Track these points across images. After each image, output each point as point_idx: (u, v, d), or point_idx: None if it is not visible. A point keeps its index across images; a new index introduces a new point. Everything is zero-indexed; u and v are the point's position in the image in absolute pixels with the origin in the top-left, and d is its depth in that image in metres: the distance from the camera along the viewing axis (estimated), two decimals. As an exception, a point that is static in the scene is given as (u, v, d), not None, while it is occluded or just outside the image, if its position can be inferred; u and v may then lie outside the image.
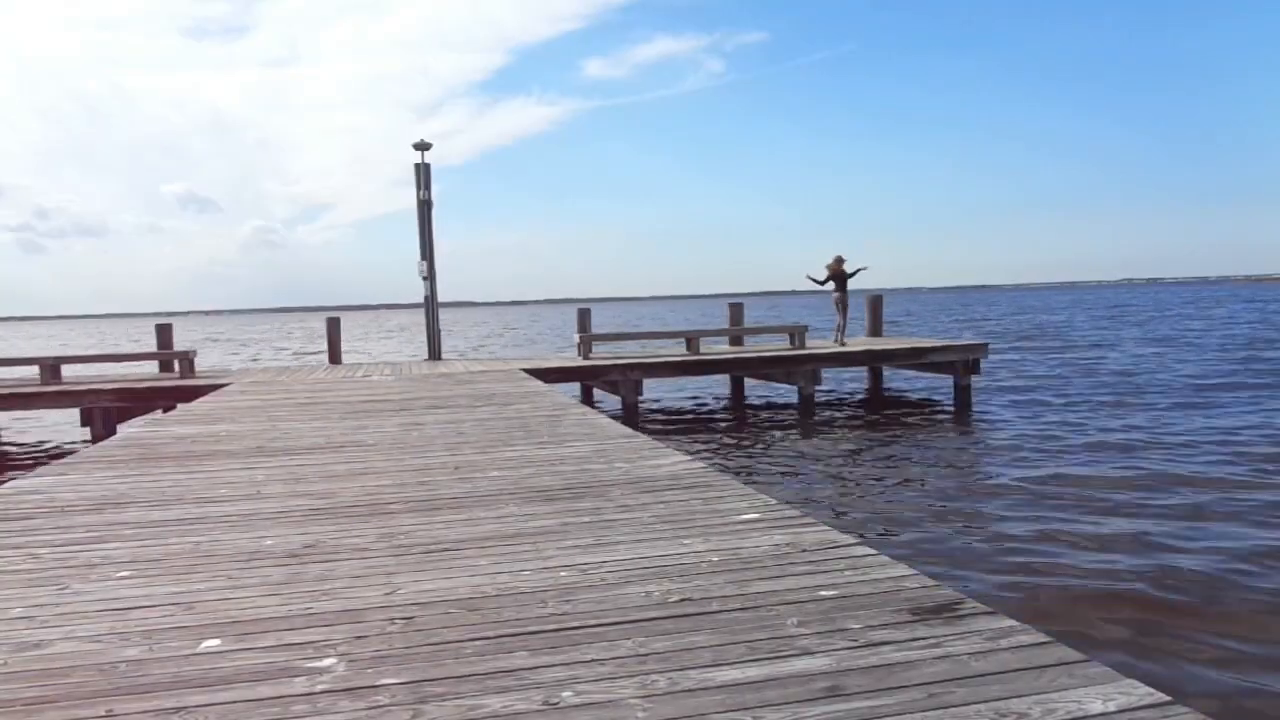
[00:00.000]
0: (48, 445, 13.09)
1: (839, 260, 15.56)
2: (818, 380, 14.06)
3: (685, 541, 3.50)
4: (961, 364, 14.34)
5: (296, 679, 2.31)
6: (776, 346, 15.78)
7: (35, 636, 2.67)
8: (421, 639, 2.56)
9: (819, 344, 15.48)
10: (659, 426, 12.96)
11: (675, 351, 15.08)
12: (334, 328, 16.28)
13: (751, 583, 2.97)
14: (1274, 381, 15.92)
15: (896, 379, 17.42)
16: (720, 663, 2.33)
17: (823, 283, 15.65)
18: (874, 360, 15.27)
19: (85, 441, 10.95)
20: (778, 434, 12.23)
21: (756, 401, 15.58)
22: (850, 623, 2.58)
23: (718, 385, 17.27)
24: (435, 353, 16.23)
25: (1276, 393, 14.42)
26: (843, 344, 15.49)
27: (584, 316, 16.13)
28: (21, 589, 3.15)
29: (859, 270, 15.72)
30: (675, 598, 2.85)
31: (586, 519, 3.92)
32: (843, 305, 15.76)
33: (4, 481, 5.22)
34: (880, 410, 14.48)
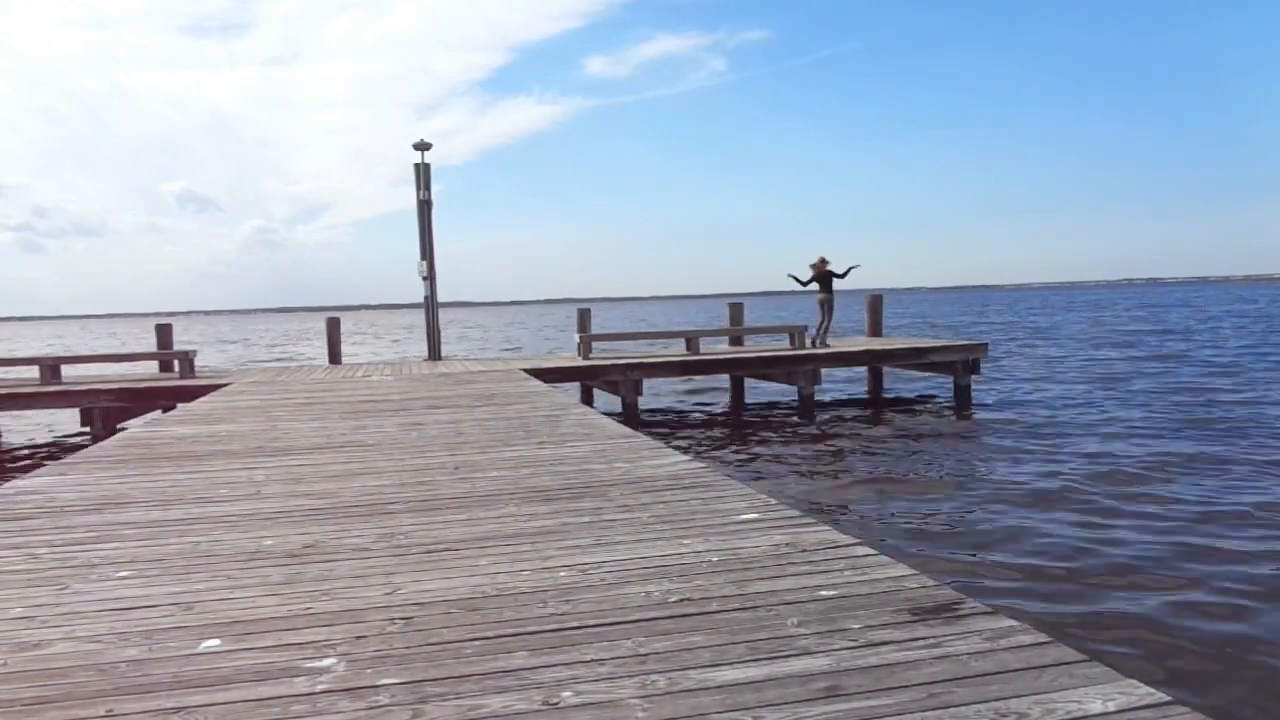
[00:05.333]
0: (48, 445, 13.10)
1: (823, 261, 15.43)
2: (818, 380, 14.05)
3: (685, 541, 3.50)
4: (961, 364, 14.34)
5: (296, 679, 2.31)
6: (776, 346, 15.78)
7: (35, 636, 2.67)
8: (421, 639, 2.56)
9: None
10: (659, 426, 12.96)
11: (675, 351, 15.08)
12: (334, 328, 16.28)
13: (751, 583, 2.97)
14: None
15: (896, 379, 17.41)
16: (720, 663, 2.33)
17: (805, 283, 15.39)
18: (874, 360, 15.25)
19: (85, 441, 10.94)
20: (778, 434, 12.22)
21: (756, 401, 15.57)
22: (850, 623, 2.58)
23: (718, 385, 17.26)
24: (435, 353, 16.23)
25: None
26: (824, 345, 15.18)
27: (584, 316, 16.12)
28: (21, 589, 3.15)
29: (851, 269, 15.46)
30: (675, 598, 2.85)
31: (586, 519, 3.92)
32: (828, 307, 15.63)
33: (4, 481, 5.21)
34: (880, 410, 14.48)
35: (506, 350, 32.97)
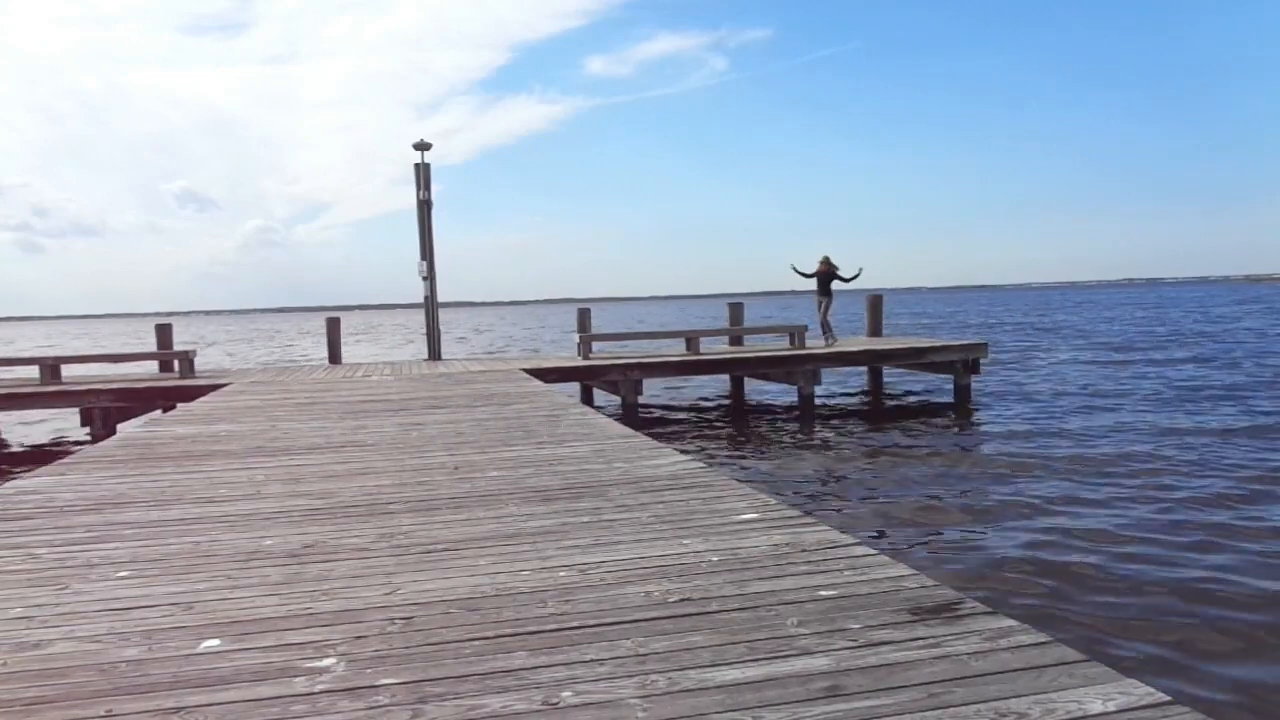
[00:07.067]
0: (48, 445, 13.09)
1: (825, 261, 15.56)
2: (818, 380, 14.06)
3: (684, 541, 3.50)
4: (961, 364, 14.35)
5: (296, 679, 2.31)
6: (776, 346, 15.78)
7: (35, 636, 2.67)
8: (421, 639, 2.56)
9: (818, 344, 15.48)
10: (659, 426, 12.96)
11: (675, 351, 15.08)
12: (334, 328, 16.29)
13: (751, 583, 2.97)
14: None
15: (896, 379, 17.41)
16: (720, 663, 2.33)
17: (807, 276, 15.73)
18: (874, 360, 15.27)
19: (85, 441, 10.94)
20: (778, 434, 12.23)
21: (756, 401, 15.58)
22: (850, 623, 2.58)
23: (718, 385, 17.26)
24: (435, 353, 16.23)
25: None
26: (831, 341, 15.44)
27: (584, 316, 16.13)
28: (21, 589, 3.14)
29: (858, 274, 15.71)
30: (675, 598, 2.84)
31: (586, 519, 3.92)
32: (825, 306, 15.70)
33: (4, 481, 5.21)
34: (880, 410, 14.48)
35: (506, 348, 33.00)
